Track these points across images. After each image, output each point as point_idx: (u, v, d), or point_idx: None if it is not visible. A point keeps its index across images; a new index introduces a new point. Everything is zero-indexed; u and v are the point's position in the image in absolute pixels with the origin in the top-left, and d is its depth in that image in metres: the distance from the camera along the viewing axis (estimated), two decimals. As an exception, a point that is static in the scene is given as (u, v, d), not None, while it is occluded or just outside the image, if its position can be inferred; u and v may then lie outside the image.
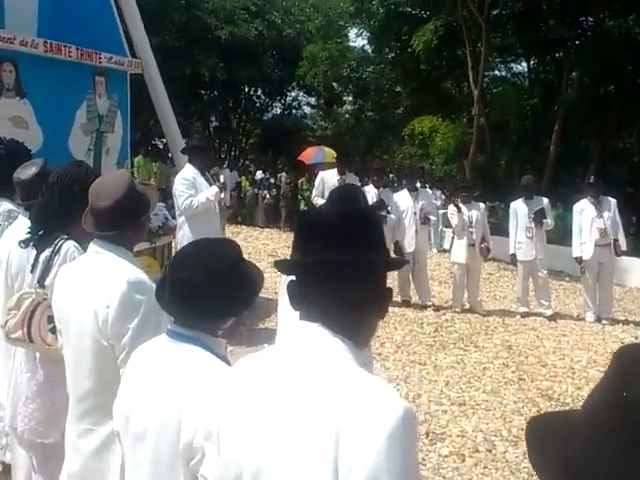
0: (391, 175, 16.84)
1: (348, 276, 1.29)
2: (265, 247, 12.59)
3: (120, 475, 2.13)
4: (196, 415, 1.65)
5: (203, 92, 23.57)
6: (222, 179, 7.11)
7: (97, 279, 2.23)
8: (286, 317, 3.07)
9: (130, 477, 1.85)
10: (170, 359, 1.78)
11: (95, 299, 2.19)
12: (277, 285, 5.20)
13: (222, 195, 6.52)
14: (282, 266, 1.43)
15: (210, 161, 7.39)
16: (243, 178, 18.06)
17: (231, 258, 1.86)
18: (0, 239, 3.18)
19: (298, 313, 1.76)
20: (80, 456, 2.26)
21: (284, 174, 17.09)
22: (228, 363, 1.82)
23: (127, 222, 2.30)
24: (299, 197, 16.20)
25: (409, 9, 18.16)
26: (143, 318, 2.17)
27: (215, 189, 6.21)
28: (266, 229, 15.73)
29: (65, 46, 6.45)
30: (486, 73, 17.48)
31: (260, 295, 1.90)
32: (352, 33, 23.06)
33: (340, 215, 1.39)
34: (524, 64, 19.44)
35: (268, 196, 16.72)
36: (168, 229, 7.03)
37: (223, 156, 24.22)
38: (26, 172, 3.10)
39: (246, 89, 24.37)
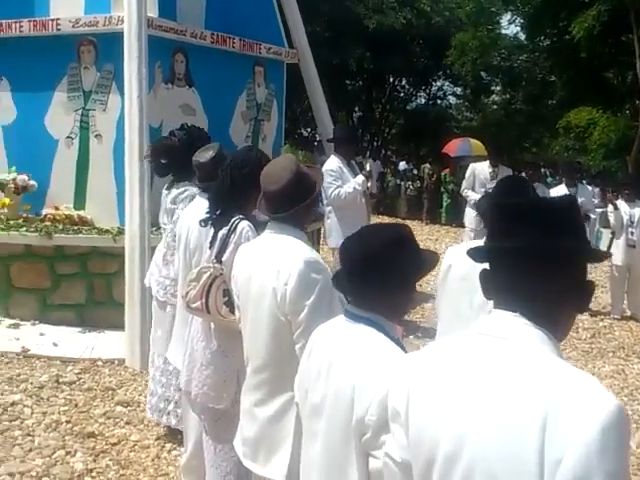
0: (543, 169, 16.11)
1: (553, 264, 1.26)
2: (408, 239, 12.49)
3: (293, 442, 2.27)
4: (368, 393, 1.69)
5: (349, 82, 23.80)
6: (368, 167, 7.13)
7: (275, 258, 2.34)
8: (446, 310, 3.08)
9: (306, 447, 1.94)
10: (346, 337, 1.84)
11: (274, 276, 2.30)
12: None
13: (368, 184, 6.56)
14: (476, 253, 1.42)
15: (355, 152, 7.45)
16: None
17: (402, 237, 1.89)
18: (180, 218, 3.43)
19: (492, 302, 1.76)
20: (256, 423, 2.39)
21: (428, 165, 16.92)
22: (402, 347, 1.85)
23: (297, 203, 2.39)
24: (442, 189, 16.00)
25: (569, -6, 17.20)
26: (318, 296, 2.25)
27: (361, 178, 6.27)
28: (407, 220, 15.64)
29: (230, 37, 6.80)
30: (656, 61, 16.19)
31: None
32: (504, 20, 22.28)
33: (546, 203, 1.37)
34: (699, 50, 17.79)
35: (411, 187, 16.63)
36: (318, 215, 7.20)
37: (365, 145, 24.38)
38: (204, 155, 3.33)
39: (391, 79, 24.32)
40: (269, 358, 2.36)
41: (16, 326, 5.86)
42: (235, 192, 2.86)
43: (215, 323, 2.89)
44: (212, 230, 2.94)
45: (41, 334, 5.71)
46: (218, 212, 2.92)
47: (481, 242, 2.73)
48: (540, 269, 1.26)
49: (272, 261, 2.34)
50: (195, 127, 4.11)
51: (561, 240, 1.26)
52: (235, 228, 2.84)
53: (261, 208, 2.53)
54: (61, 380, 4.80)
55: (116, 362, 5.17)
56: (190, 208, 3.37)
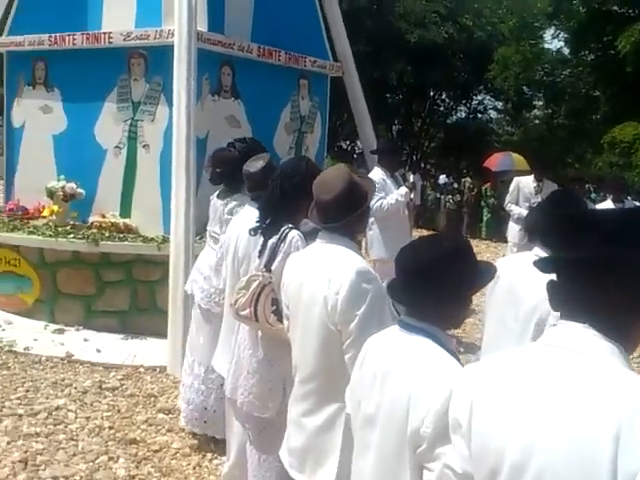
0: (587, 185, 15.82)
1: (625, 275, 1.25)
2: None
3: (341, 453, 2.25)
4: (425, 403, 1.67)
5: (389, 96, 23.81)
6: (411, 179, 7.10)
7: (326, 267, 2.34)
8: (492, 321, 3.04)
9: (358, 459, 1.92)
10: (402, 348, 1.83)
11: (325, 286, 2.29)
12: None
13: (412, 195, 6.52)
14: (543, 264, 1.39)
15: (399, 164, 7.42)
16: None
17: (452, 247, 1.87)
18: (229, 225, 3.46)
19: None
20: (303, 433, 2.38)
21: (468, 179, 16.78)
22: (457, 359, 1.83)
23: (349, 214, 2.39)
24: (482, 204, 15.84)
25: (615, 8, 16.93)
26: (369, 306, 2.23)
27: (404, 190, 6.23)
28: (447, 234, 15.51)
29: (275, 51, 6.87)
30: None
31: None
32: (547, 34, 22.07)
33: (618, 213, 1.38)
34: None
35: (451, 201, 16.50)
36: (361, 227, 7.18)
37: (404, 159, 24.31)
38: (254, 165, 3.35)
39: (431, 93, 24.27)
40: (318, 368, 2.35)
41: (61, 331, 5.97)
42: (285, 201, 2.87)
43: (263, 331, 2.90)
44: (261, 239, 2.95)
45: (85, 340, 5.80)
46: (268, 221, 2.93)
47: (530, 254, 2.73)
48: (609, 279, 1.25)
49: (323, 270, 2.34)
50: (254, 140, 4.16)
51: (619, 250, 1.25)
52: (285, 237, 2.86)
53: (312, 217, 2.53)
54: (104, 386, 4.87)
55: (158, 369, 5.22)
56: (239, 217, 3.39)
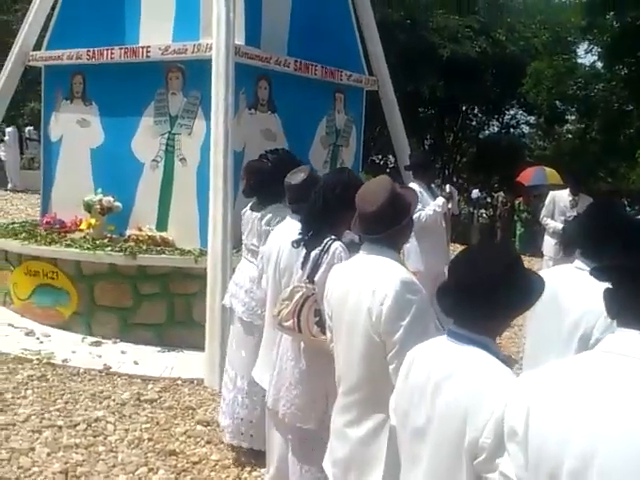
0: (622, 199, 15.54)
1: None
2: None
3: (385, 465, 2.21)
4: (484, 414, 1.64)
5: (421, 110, 23.76)
6: (448, 189, 7.04)
7: (371, 278, 2.32)
8: (534, 334, 2.97)
9: (408, 470, 1.89)
10: (454, 358, 1.80)
11: (369, 296, 2.28)
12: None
13: (449, 205, 6.44)
14: (598, 273, 1.41)
15: (433, 176, 7.37)
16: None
17: (507, 261, 1.84)
18: (269, 237, 3.45)
19: (604, 327, 1.69)
20: (347, 444, 2.36)
21: (502, 193, 16.66)
22: (510, 367, 1.79)
23: (392, 225, 2.37)
24: (515, 218, 15.71)
25: (650, 22, 16.71)
26: (414, 318, 2.21)
27: (442, 200, 6.16)
28: (480, 249, 15.37)
29: (312, 65, 6.89)
30: None
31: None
32: (581, 49, 21.88)
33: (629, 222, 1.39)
34: None
35: (484, 215, 16.40)
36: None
37: (436, 173, 24.18)
38: (296, 177, 3.35)
39: (463, 107, 24.17)
40: (361, 379, 2.33)
41: (98, 344, 6.00)
42: (327, 213, 2.87)
43: (305, 342, 2.88)
44: (304, 251, 2.94)
45: (122, 352, 5.83)
46: (310, 233, 2.92)
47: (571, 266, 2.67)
48: None
49: (367, 281, 2.33)
50: (286, 151, 4.16)
51: None
52: (328, 249, 2.84)
53: (355, 229, 2.52)
54: (142, 398, 4.88)
55: (195, 382, 5.22)
56: (280, 229, 3.38)
